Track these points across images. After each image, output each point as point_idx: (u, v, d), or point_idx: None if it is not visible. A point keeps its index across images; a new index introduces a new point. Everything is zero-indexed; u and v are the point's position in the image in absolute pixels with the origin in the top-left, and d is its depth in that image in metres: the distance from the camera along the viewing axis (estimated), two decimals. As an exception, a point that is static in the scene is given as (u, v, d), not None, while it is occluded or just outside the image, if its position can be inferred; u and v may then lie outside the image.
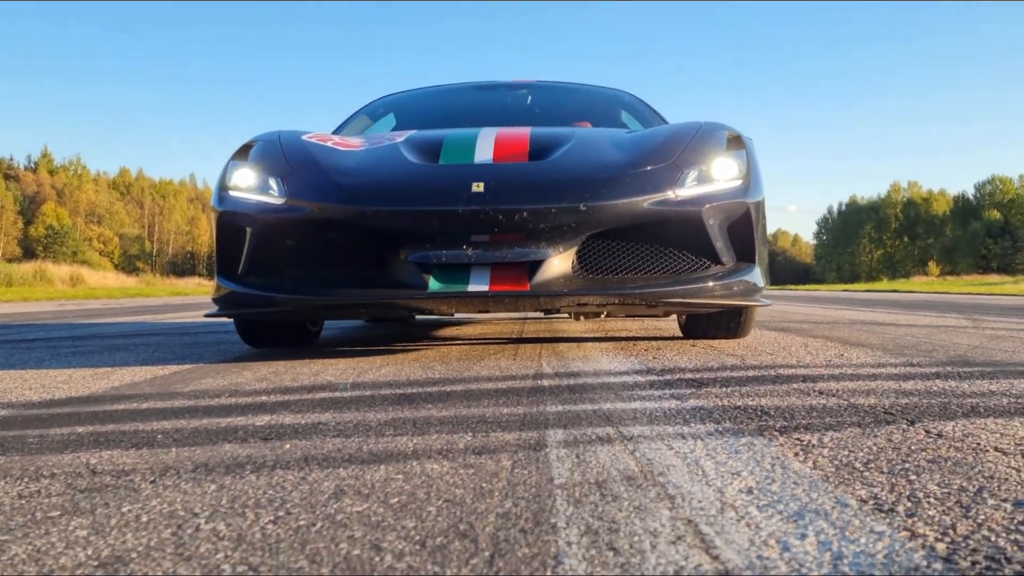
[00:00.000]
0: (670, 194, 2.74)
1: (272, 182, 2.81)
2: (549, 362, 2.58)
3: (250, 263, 2.78)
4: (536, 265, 2.62)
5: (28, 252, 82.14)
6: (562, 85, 4.72)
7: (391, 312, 2.90)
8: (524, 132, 3.23)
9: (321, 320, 3.58)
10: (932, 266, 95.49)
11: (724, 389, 1.89)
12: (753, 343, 3.19)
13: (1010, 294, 19.75)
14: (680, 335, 3.55)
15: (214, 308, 2.88)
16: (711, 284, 2.74)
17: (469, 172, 2.73)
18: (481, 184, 2.65)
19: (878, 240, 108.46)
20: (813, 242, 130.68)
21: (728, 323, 3.33)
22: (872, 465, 1.12)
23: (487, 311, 2.74)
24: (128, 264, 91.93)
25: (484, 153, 2.93)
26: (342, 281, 2.68)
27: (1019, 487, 0.99)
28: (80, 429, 1.52)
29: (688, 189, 2.78)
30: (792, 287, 48.66)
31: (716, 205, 2.79)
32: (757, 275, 2.87)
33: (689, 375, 2.19)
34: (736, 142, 3.12)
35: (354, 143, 3.17)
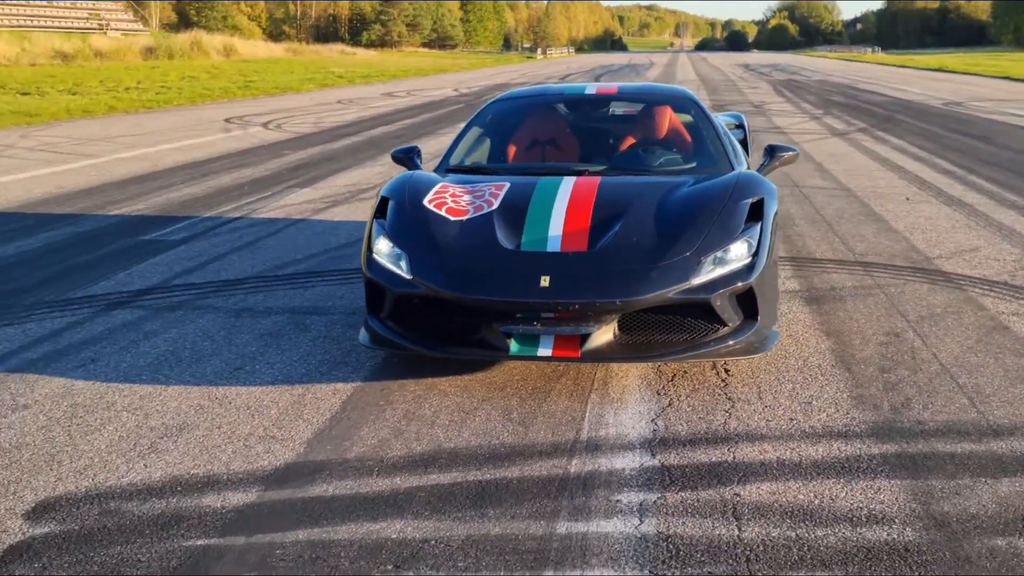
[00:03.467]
0: (690, 283, 3.74)
1: (402, 259, 3.93)
2: (591, 419, 3.69)
3: (389, 313, 3.96)
4: (586, 336, 3.71)
5: (183, 17, 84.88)
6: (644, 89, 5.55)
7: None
8: (590, 197, 4.19)
9: None
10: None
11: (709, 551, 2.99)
12: (768, 384, 4.18)
13: None
14: None
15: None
16: (718, 347, 3.78)
17: (540, 265, 3.79)
18: (547, 279, 3.73)
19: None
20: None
21: None
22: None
23: None
24: (275, 28, 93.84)
25: (556, 229, 3.97)
26: (453, 339, 3.85)
27: None
28: None
29: (703, 276, 3.80)
30: (950, 61, 45.76)
31: (725, 290, 3.78)
32: (759, 330, 3.87)
33: (695, 474, 3.27)
34: (757, 209, 4.06)
35: (462, 204, 4.21)
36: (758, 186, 4.30)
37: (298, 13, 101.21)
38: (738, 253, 3.90)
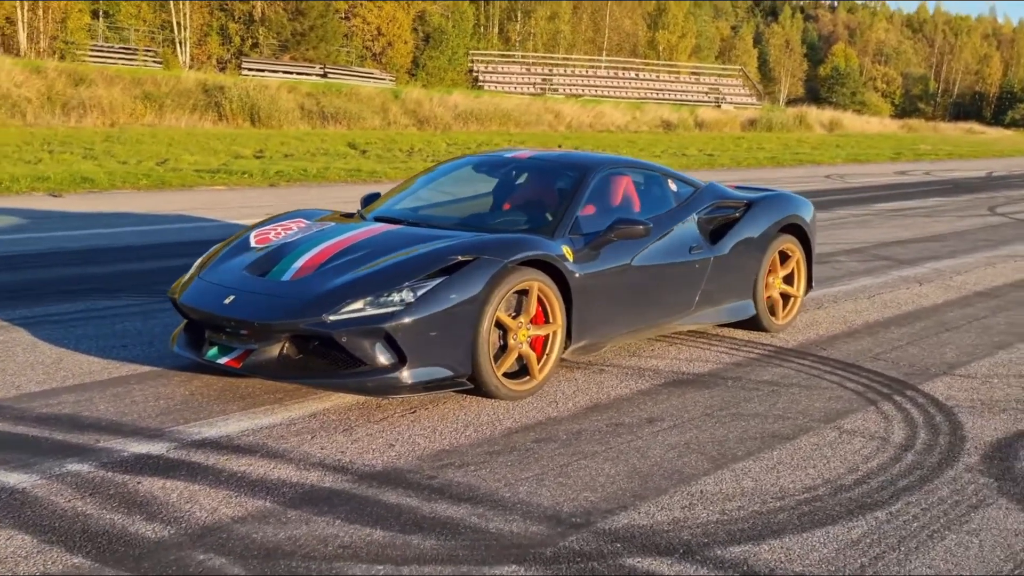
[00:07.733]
0: (324, 318, 3.86)
1: (194, 271, 4.59)
2: (234, 419, 3.92)
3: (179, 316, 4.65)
4: (250, 352, 4.00)
5: (811, 92, 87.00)
6: (549, 161, 5.31)
7: None
8: (349, 241, 4.43)
9: None
10: None
11: None
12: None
13: None
14: None
15: None
16: (346, 380, 3.92)
17: (245, 287, 4.29)
18: (232, 298, 4.14)
19: None
20: None
21: None
22: None
23: None
24: (909, 104, 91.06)
25: (299, 263, 4.35)
26: (189, 343, 4.44)
27: None
28: None
29: (341, 315, 3.95)
30: None
31: (361, 328, 3.79)
32: (403, 374, 3.91)
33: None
34: (456, 268, 3.96)
35: (277, 239, 4.69)
36: (491, 250, 4.21)
37: (939, 90, 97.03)
38: (398, 299, 3.96)
